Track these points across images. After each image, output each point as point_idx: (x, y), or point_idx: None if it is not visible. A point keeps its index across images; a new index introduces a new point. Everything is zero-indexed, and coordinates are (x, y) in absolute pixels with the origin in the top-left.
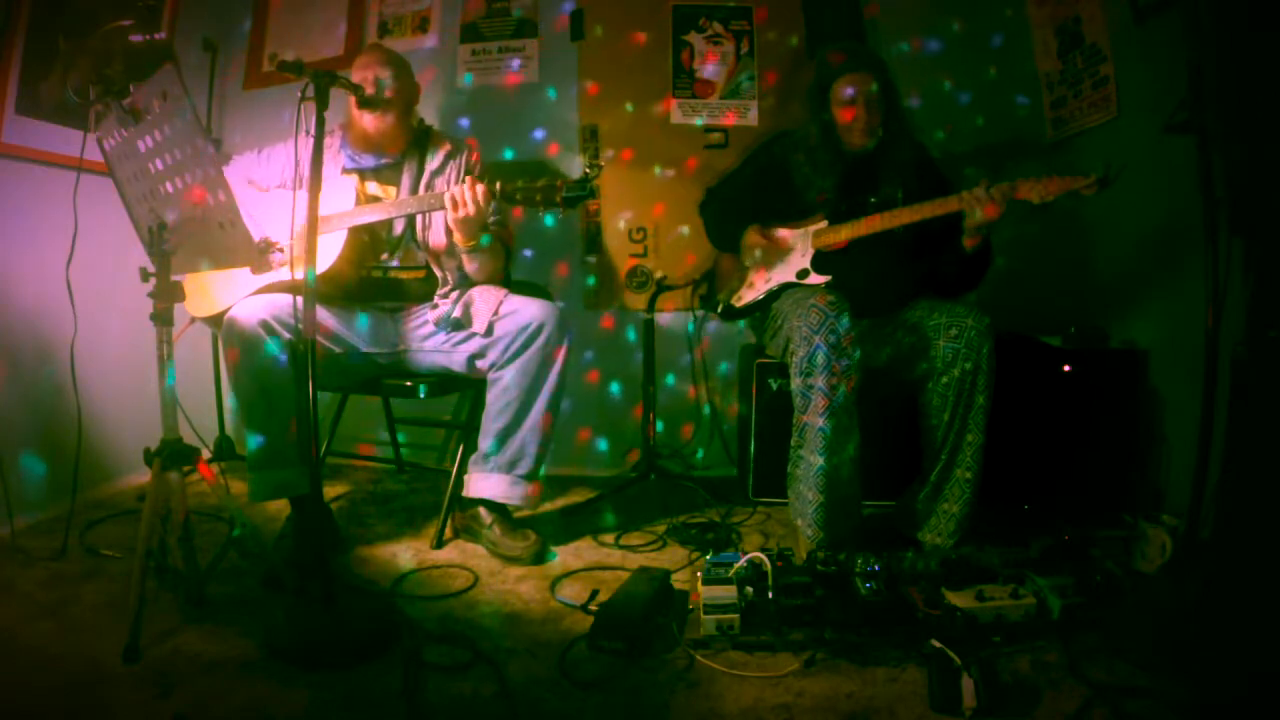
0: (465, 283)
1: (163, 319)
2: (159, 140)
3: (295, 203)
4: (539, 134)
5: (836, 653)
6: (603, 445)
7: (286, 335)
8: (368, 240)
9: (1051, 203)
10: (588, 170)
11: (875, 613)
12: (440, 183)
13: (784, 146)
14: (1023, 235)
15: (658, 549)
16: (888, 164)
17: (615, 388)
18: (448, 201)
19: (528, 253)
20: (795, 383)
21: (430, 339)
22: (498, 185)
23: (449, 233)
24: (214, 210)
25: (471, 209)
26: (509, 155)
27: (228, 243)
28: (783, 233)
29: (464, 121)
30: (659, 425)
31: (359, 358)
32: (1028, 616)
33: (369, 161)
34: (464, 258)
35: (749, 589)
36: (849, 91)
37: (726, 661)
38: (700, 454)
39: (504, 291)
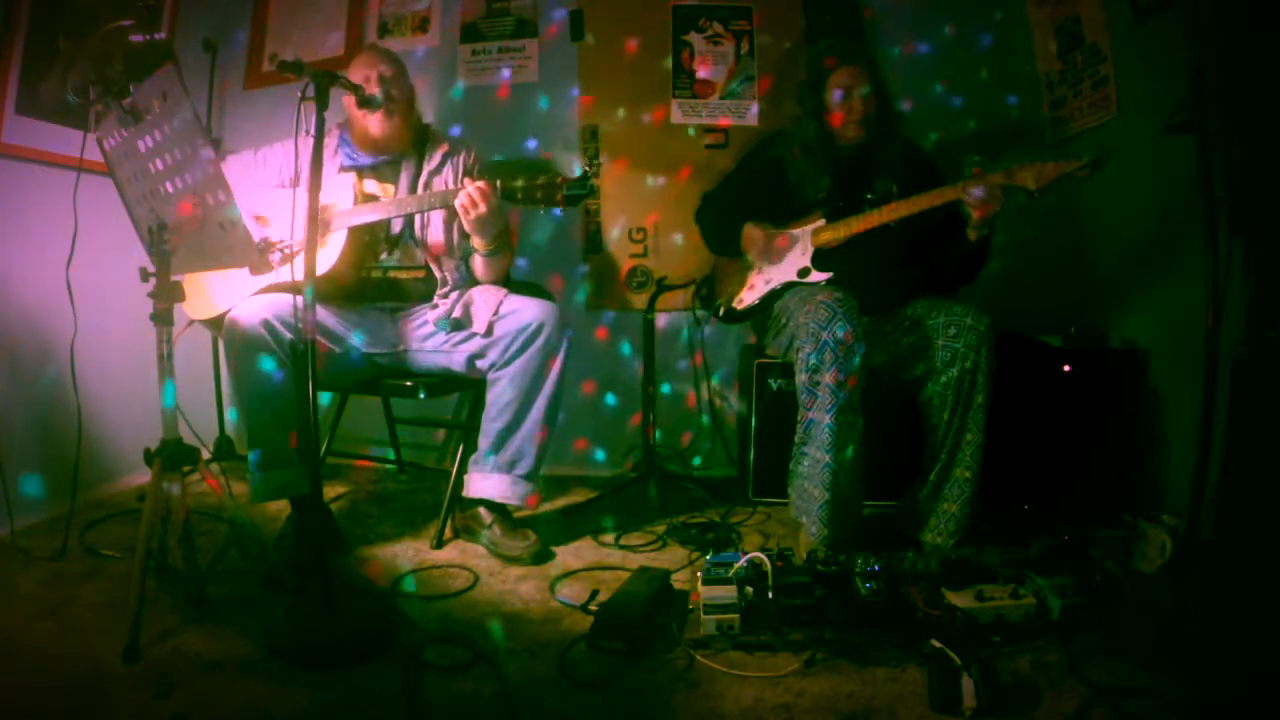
0: (465, 283)
1: (163, 319)
2: (159, 140)
3: (295, 202)
4: (539, 134)
5: (836, 653)
6: (601, 449)
7: (287, 335)
8: (368, 240)
9: (1047, 188)
10: (587, 168)
11: (875, 613)
12: (438, 182)
13: (777, 147)
14: (1023, 236)
15: (658, 549)
16: (880, 159)
17: (615, 387)
18: (459, 207)
19: (528, 253)
20: (800, 379)
21: (430, 339)
22: (498, 184)
23: (448, 232)
24: (214, 210)
25: (484, 207)
26: (509, 155)
27: (228, 243)
28: (781, 232)
29: (463, 121)
30: (658, 426)
31: (359, 358)
32: (1028, 616)
33: (367, 159)
34: (480, 261)
35: (749, 589)
36: (843, 86)
37: (726, 661)
38: (700, 454)
39: (504, 291)
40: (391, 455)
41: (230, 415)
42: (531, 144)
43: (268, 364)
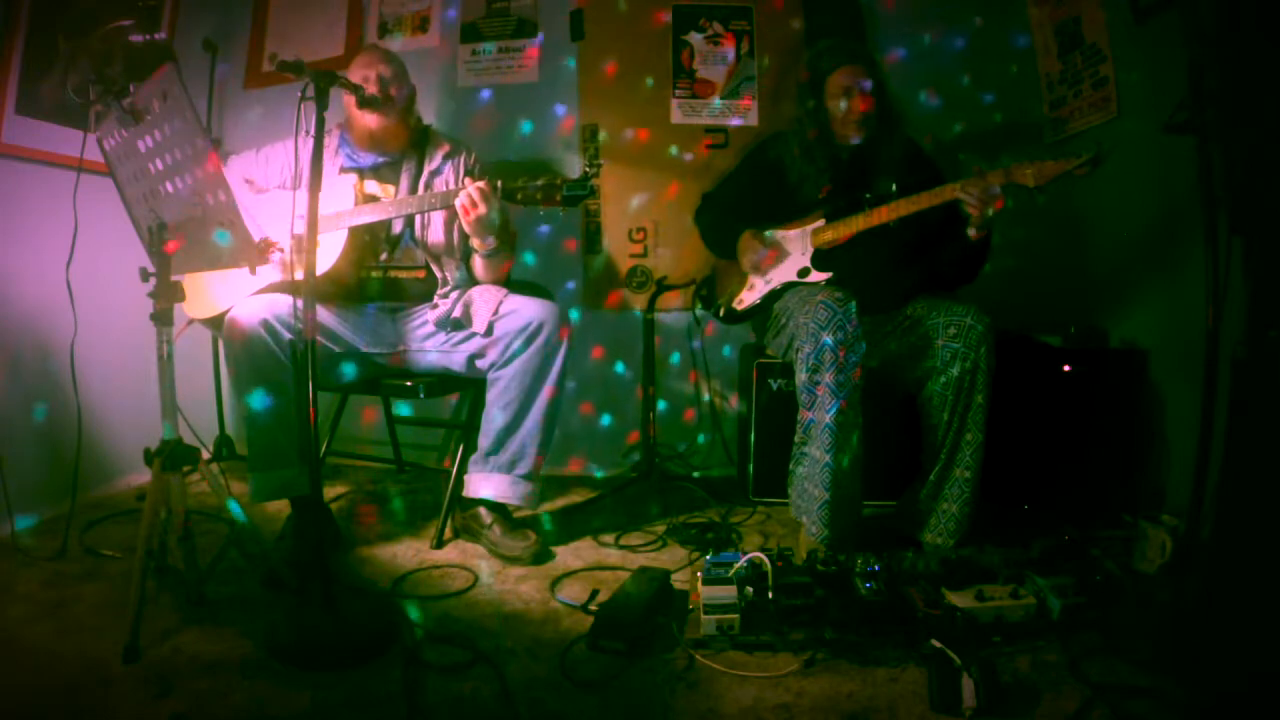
0: (465, 283)
1: (163, 319)
2: (159, 140)
3: (295, 203)
4: (539, 134)
5: (836, 653)
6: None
7: (287, 335)
8: (368, 240)
9: (1047, 186)
10: (587, 169)
11: (875, 613)
12: (439, 183)
13: (777, 147)
14: (1023, 236)
15: (658, 549)
16: (880, 159)
17: (615, 386)
18: (459, 207)
19: (528, 253)
20: (800, 378)
21: (430, 339)
22: (499, 184)
23: (448, 233)
24: (214, 210)
25: (484, 208)
26: (509, 155)
27: (227, 242)
28: (781, 233)
29: (463, 121)
30: (659, 424)
31: (359, 358)
32: (1028, 616)
33: (368, 160)
34: (480, 261)
35: (749, 589)
36: (844, 86)
37: (726, 661)
38: (700, 453)
39: (504, 291)
40: (391, 455)
41: (231, 415)
42: (531, 144)
43: (267, 364)
